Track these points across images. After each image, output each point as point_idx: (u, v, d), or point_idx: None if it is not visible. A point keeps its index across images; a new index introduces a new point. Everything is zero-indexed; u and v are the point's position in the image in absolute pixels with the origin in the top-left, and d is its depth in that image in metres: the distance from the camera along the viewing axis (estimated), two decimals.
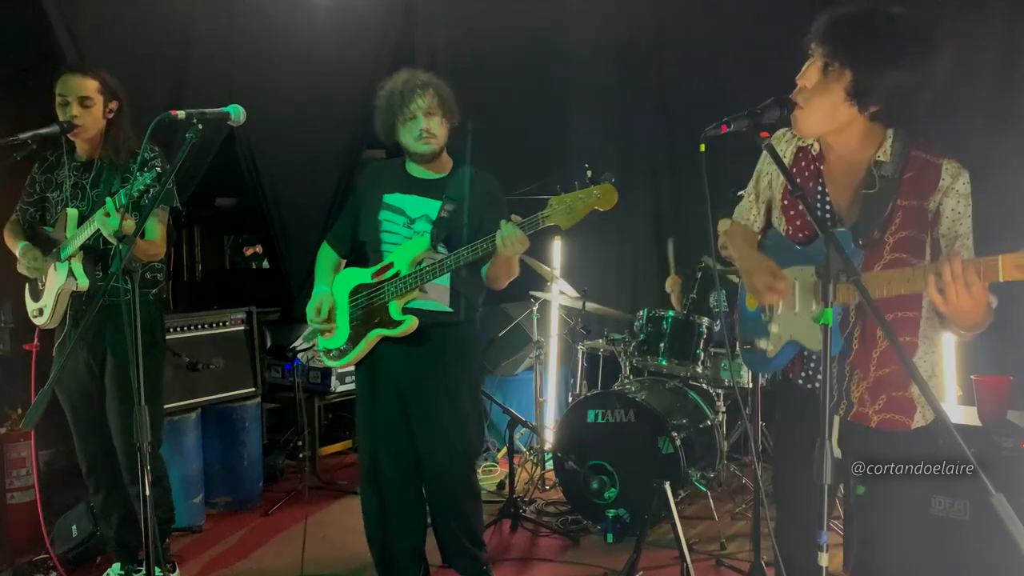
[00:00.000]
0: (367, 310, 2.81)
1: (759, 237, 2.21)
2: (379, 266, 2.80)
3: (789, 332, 2.01)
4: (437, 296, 2.79)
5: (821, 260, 1.64)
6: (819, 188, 2.00)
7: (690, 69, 5.01)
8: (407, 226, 2.82)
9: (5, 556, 3.44)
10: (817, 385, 2.00)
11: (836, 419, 1.97)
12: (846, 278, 1.58)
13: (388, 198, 2.85)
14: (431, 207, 2.81)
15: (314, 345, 4.74)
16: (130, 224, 2.66)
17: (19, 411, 3.59)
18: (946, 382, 3.60)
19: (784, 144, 2.09)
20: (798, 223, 2.04)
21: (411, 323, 2.72)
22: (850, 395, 1.97)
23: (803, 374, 2.07)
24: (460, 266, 2.68)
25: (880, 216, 1.88)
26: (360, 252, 2.96)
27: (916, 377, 1.54)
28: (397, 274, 2.74)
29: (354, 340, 2.83)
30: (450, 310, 2.82)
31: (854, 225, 1.91)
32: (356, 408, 3.05)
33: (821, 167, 2.00)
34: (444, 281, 2.78)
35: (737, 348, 2.27)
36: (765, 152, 2.10)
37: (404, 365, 2.81)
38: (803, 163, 2.04)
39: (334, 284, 2.93)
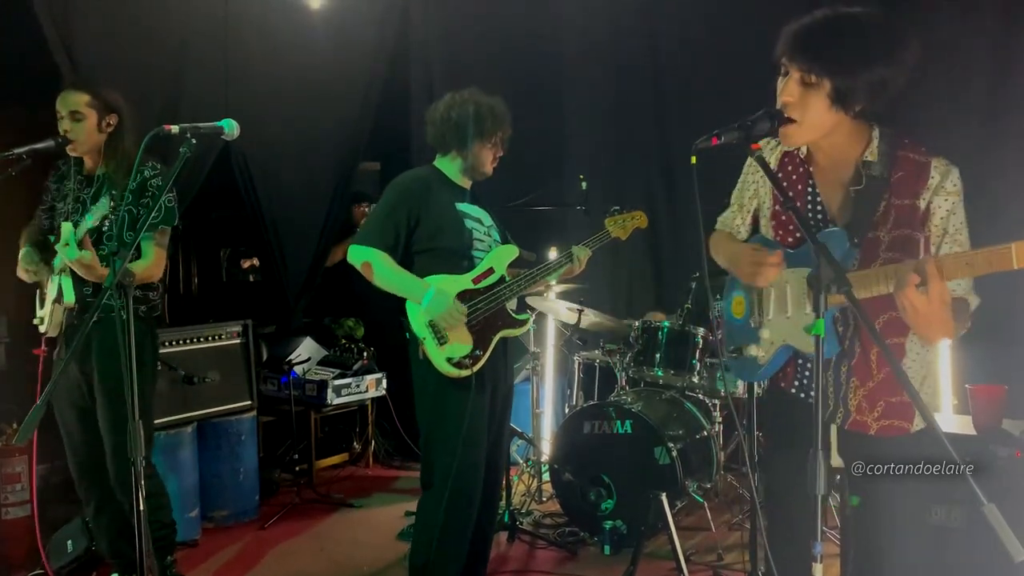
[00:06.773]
0: (489, 314, 2.89)
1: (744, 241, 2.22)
2: (479, 271, 2.91)
3: (782, 337, 1.98)
4: None
5: (813, 268, 1.62)
6: (809, 188, 1.99)
7: (685, 77, 5.02)
8: (487, 234, 2.99)
9: (1, 572, 3.42)
10: (812, 395, 1.95)
11: (833, 428, 1.94)
12: (837, 289, 1.57)
13: (462, 207, 2.96)
14: (485, 214, 3.04)
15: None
16: (87, 255, 2.73)
17: (14, 426, 3.58)
18: (942, 384, 3.58)
19: (768, 152, 2.09)
20: (790, 227, 2.02)
21: (530, 319, 3.01)
22: (847, 403, 1.94)
23: (796, 383, 2.03)
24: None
25: (872, 214, 1.88)
26: (424, 255, 2.90)
27: (907, 386, 1.54)
28: (502, 279, 2.93)
29: (483, 345, 2.86)
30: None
31: (847, 224, 1.91)
32: (460, 413, 2.80)
33: (811, 168, 2.01)
34: None
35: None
36: (750, 161, 2.12)
37: (504, 366, 3.03)
38: (790, 167, 2.04)
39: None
